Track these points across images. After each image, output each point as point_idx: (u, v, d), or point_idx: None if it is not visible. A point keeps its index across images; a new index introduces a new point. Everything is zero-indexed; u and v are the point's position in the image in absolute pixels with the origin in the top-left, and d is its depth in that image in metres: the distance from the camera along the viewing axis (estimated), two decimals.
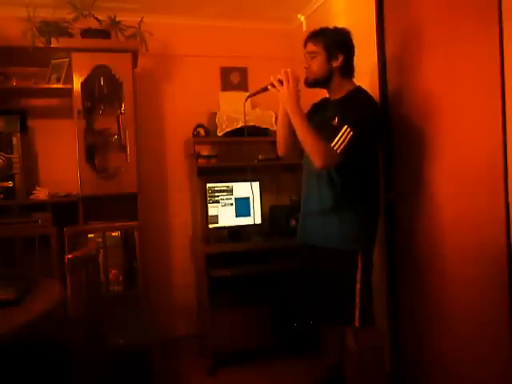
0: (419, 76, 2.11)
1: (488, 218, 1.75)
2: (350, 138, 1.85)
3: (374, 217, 2.09)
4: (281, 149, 2.22)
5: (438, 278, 2.04)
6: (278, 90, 1.95)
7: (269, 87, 1.99)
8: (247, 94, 3.14)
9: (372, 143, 2.03)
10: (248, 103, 3.12)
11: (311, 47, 2.02)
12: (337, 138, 1.85)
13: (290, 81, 1.92)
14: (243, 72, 3.32)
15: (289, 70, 1.94)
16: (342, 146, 1.85)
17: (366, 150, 1.98)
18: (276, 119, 2.99)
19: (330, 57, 1.99)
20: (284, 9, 3.13)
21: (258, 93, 2.08)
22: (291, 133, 2.07)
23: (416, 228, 2.17)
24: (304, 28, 3.22)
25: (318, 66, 2.01)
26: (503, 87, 1.64)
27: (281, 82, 1.94)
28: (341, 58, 1.99)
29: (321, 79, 2.03)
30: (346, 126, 1.85)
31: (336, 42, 1.99)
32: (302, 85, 1.99)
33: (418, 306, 2.18)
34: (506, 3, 1.61)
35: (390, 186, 2.30)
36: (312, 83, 2.06)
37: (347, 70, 2.04)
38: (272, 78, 1.96)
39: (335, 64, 2.00)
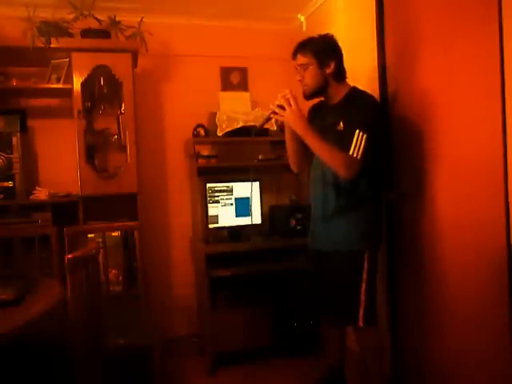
0: (419, 76, 2.11)
1: (488, 218, 1.75)
2: (366, 140, 1.86)
3: (380, 216, 2.10)
4: (295, 167, 2.25)
5: (438, 278, 2.04)
6: (282, 115, 1.95)
7: (271, 116, 2.00)
8: (248, 94, 3.19)
9: (384, 142, 2.03)
10: (248, 103, 3.16)
11: (301, 59, 2.02)
12: (353, 145, 1.86)
13: (291, 102, 1.92)
14: (243, 72, 3.32)
15: (286, 91, 1.94)
16: (360, 151, 1.86)
17: (381, 149, 1.99)
18: (275, 119, 2.99)
19: (322, 65, 1.99)
20: (284, 9, 3.13)
21: (262, 125, 2.11)
22: (300, 148, 2.10)
23: (416, 228, 2.16)
24: (304, 28, 3.22)
25: (311, 76, 2.01)
26: (503, 86, 1.64)
27: (281, 107, 1.94)
28: (332, 65, 1.99)
29: (318, 89, 2.04)
30: (357, 131, 1.86)
31: (325, 50, 2.00)
32: (300, 100, 1.99)
33: (418, 306, 2.18)
34: (506, 1, 1.61)
35: (390, 187, 2.30)
36: (310, 96, 2.06)
37: (340, 74, 2.04)
38: (272, 106, 1.97)
39: (328, 71, 2.00)
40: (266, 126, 3.00)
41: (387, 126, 2.27)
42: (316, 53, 1.98)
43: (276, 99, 1.95)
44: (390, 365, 2.37)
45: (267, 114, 2.02)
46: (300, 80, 2.04)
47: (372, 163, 1.99)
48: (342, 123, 1.95)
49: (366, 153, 1.87)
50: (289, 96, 1.92)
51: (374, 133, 1.89)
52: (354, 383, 2.37)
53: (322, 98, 2.12)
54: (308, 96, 2.06)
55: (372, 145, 1.88)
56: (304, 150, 2.08)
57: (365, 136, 1.86)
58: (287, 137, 2.14)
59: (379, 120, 2.01)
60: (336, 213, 2.02)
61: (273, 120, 2.99)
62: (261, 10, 3.12)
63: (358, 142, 1.86)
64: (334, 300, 2.06)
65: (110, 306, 2.17)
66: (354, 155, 1.86)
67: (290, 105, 1.92)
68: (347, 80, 2.08)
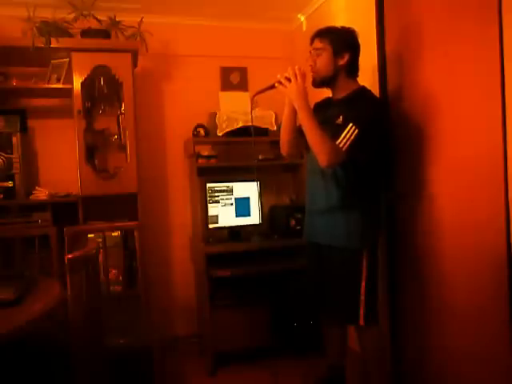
0: (419, 75, 2.11)
1: (488, 217, 1.75)
2: (355, 136, 1.86)
3: (379, 215, 2.10)
4: (284, 148, 2.22)
5: (438, 278, 2.04)
6: (286, 87, 1.95)
7: (276, 85, 1.99)
8: (248, 93, 3.19)
9: (379, 143, 2.03)
10: (248, 103, 3.14)
11: (318, 43, 2.02)
12: (342, 136, 1.87)
13: (298, 77, 1.93)
14: (243, 72, 3.32)
15: (296, 66, 1.95)
16: (347, 144, 1.86)
17: (371, 149, 1.98)
18: (275, 119, 3.00)
19: (336, 54, 1.99)
20: (284, 9, 3.13)
21: (264, 90, 2.05)
22: (295, 132, 2.09)
23: (416, 228, 2.17)
24: (304, 28, 3.22)
25: (323, 63, 2.01)
26: (503, 86, 1.64)
27: (288, 79, 1.94)
28: (346, 57, 1.99)
29: (327, 78, 2.03)
30: (351, 125, 1.87)
31: (343, 41, 2.00)
32: (308, 84, 1.99)
33: (418, 306, 2.18)
34: (506, 2, 1.61)
35: (390, 186, 2.30)
36: (319, 83, 2.06)
37: (352, 69, 2.04)
38: (279, 76, 1.97)
39: (341, 62, 2.00)
40: (266, 126, 3.02)
41: (389, 128, 2.27)
42: (333, 40, 1.99)
43: (285, 71, 1.96)
44: (390, 365, 2.37)
45: (272, 81, 2.01)
46: (311, 65, 2.04)
47: (372, 163, 2.00)
48: (341, 117, 1.95)
49: (353, 148, 1.87)
50: (297, 71, 1.93)
51: (368, 132, 1.88)
52: (354, 383, 2.37)
53: (330, 94, 2.12)
54: (316, 83, 2.06)
55: (363, 143, 1.88)
56: (298, 134, 2.08)
57: (356, 131, 1.86)
58: (286, 114, 2.11)
59: (378, 121, 1.99)
60: (337, 207, 2.02)
61: (273, 120, 3.02)
62: (261, 10, 3.12)
63: (348, 134, 1.86)
64: (334, 298, 2.06)
65: (109, 306, 2.17)
66: (340, 145, 1.86)
67: (297, 79, 1.92)
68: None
